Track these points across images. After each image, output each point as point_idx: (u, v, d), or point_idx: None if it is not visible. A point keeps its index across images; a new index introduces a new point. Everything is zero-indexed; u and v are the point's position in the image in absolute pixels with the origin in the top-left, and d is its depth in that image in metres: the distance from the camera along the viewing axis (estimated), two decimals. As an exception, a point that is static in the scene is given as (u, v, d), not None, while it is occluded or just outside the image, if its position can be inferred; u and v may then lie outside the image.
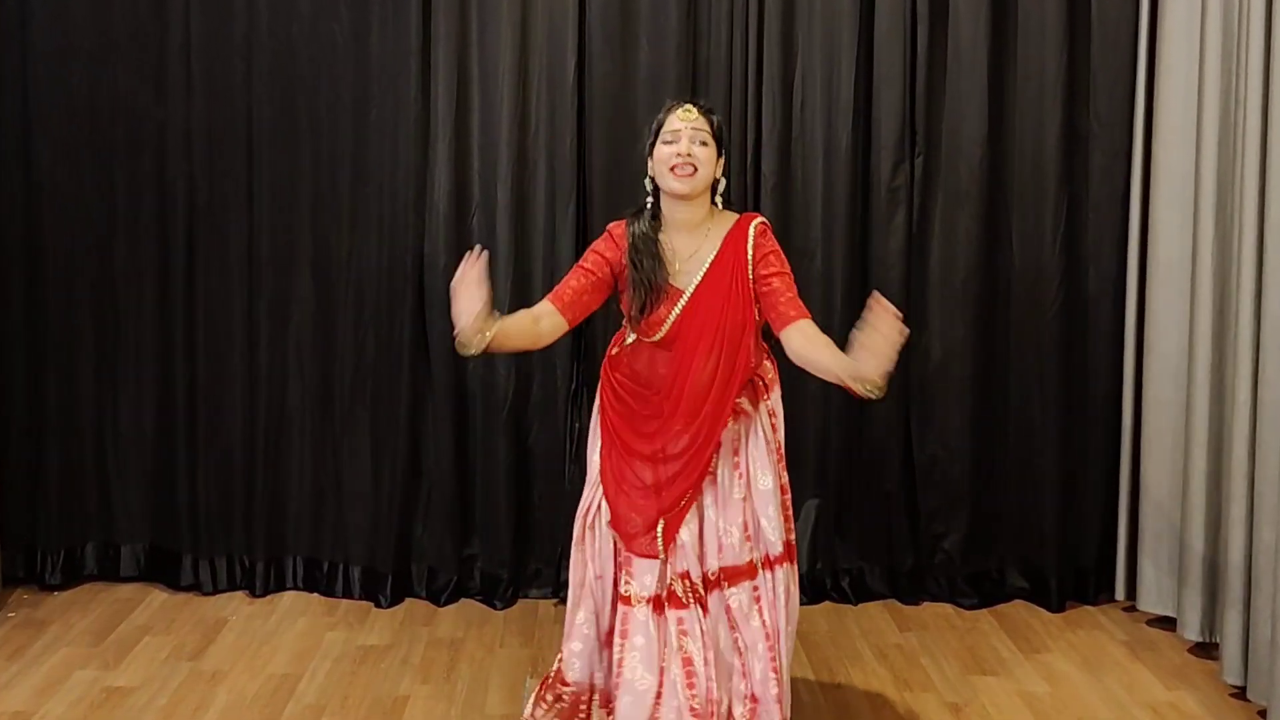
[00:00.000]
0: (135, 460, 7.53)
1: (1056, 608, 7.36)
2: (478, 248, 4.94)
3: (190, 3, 7.21)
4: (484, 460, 7.42)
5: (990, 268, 7.42)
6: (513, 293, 7.17)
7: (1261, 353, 5.98)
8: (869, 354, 4.80)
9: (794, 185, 7.31)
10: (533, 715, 5.69)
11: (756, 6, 7.22)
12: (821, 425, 7.46)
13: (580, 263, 5.40)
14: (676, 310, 5.25)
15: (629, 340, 5.44)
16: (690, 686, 5.20)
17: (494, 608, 7.32)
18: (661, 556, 5.21)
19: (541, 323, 5.23)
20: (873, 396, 4.88)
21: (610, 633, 5.39)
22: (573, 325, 5.36)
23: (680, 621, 5.26)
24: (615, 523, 5.29)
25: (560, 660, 5.50)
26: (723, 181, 5.45)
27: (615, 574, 5.37)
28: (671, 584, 5.27)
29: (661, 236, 5.30)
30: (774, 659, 5.27)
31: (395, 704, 6.08)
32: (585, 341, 7.35)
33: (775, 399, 5.59)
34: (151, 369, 7.47)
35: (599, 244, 5.39)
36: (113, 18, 7.24)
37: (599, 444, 5.53)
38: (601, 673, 5.48)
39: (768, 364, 5.61)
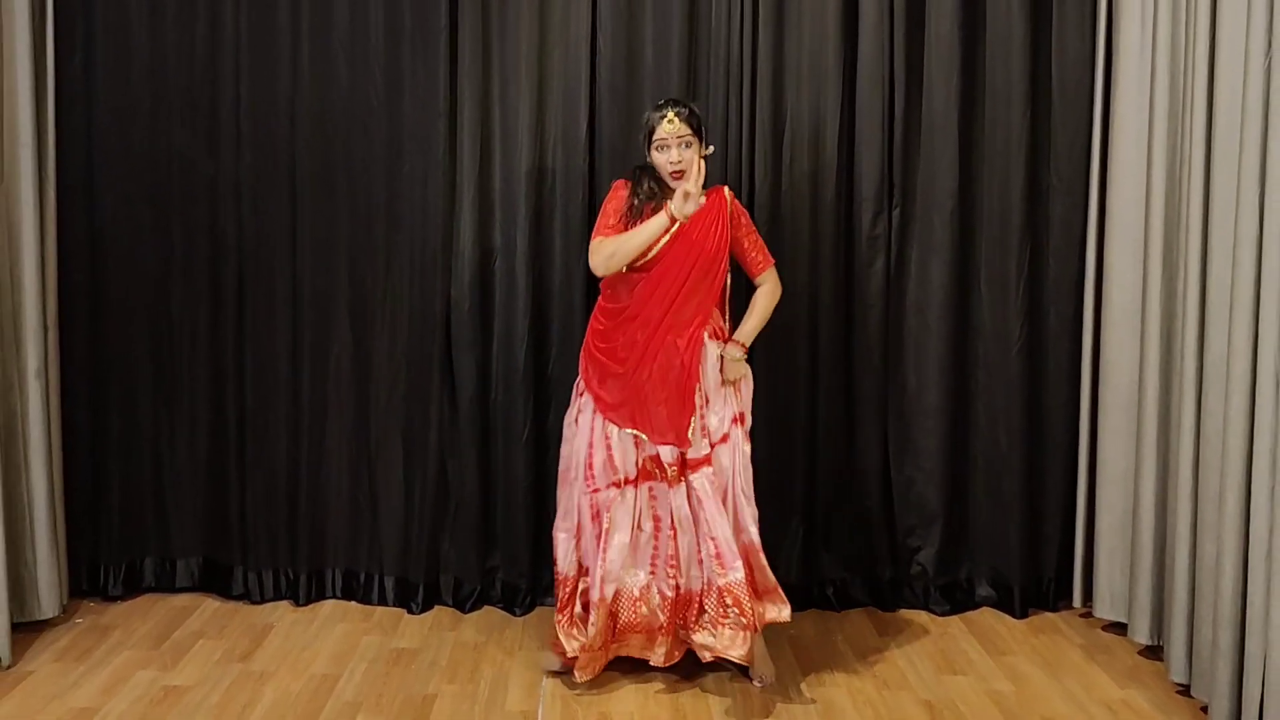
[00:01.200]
0: (189, 481, 7.64)
1: (1020, 615, 7.53)
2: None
3: (240, 66, 7.37)
4: (505, 482, 7.56)
5: (961, 308, 7.58)
6: (530, 330, 7.40)
7: (1204, 386, 6.11)
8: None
9: (785, 233, 7.41)
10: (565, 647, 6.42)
11: (750, 72, 7.36)
12: (808, 450, 7.63)
13: (606, 212, 6.46)
14: (669, 233, 6.21)
15: (618, 281, 6.41)
16: (655, 535, 6.26)
17: (513, 614, 7.47)
18: (689, 443, 6.24)
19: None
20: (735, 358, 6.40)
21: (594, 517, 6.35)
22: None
23: (651, 489, 6.26)
24: (649, 433, 6.29)
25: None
26: (709, 155, 6.40)
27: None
28: (642, 463, 6.21)
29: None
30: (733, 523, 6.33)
31: (424, 701, 6.23)
32: None
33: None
34: (204, 398, 7.60)
35: (613, 195, 6.51)
36: (169, 79, 7.37)
37: (580, 414, 6.57)
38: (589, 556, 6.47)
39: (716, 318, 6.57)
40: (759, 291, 6.62)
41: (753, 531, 6.37)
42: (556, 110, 7.42)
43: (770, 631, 6.91)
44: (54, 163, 7.13)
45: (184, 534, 7.71)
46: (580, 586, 6.54)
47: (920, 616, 7.57)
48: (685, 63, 7.39)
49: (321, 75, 7.42)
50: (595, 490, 6.38)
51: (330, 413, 7.62)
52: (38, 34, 6.87)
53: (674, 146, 6.25)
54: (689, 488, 6.30)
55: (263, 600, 7.60)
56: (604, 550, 6.31)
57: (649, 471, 6.36)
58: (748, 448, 6.48)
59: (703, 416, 6.32)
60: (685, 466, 6.32)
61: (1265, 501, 5.50)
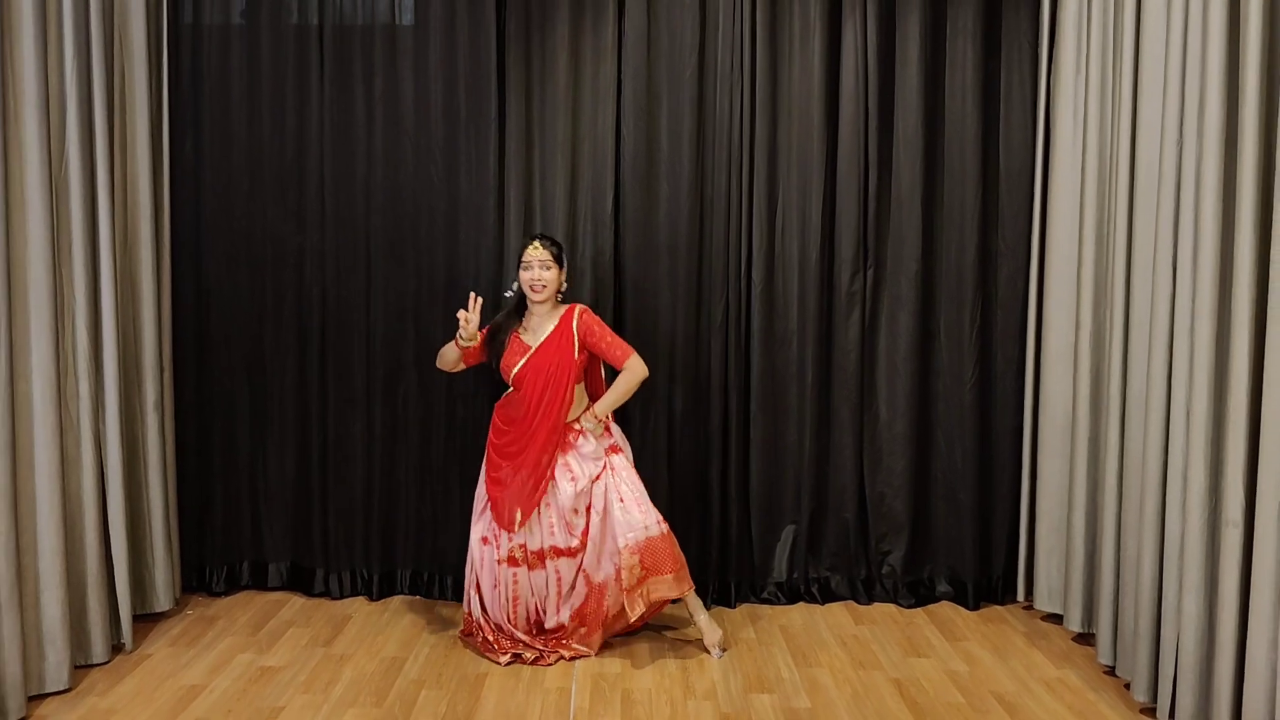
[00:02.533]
0: (279, 497, 7.74)
1: (973, 607, 7.63)
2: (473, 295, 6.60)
3: (323, 151, 7.50)
4: None
5: (924, 352, 7.68)
6: None
7: (1126, 415, 6.27)
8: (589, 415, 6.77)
9: (776, 290, 7.58)
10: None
11: (749, 157, 7.49)
12: (797, 469, 7.72)
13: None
14: (523, 360, 6.75)
15: (506, 395, 6.91)
16: (514, 603, 6.81)
17: None
18: (516, 530, 6.70)
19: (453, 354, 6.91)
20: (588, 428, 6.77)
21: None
22: (466, 365, 6.99)
23: (514, 574, 6.79)
24: (494, 512, 6.79)
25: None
26: (565, 285, 6.93)
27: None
28: (512, 551, 6.77)
29: (523, 323, 6.89)
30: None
31: (477, 679, 6.34)
32: (618, 409, 7.28)
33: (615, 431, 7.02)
34: (292, 429, 7.71)
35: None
36: (263, 162, 7.50)
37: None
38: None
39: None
40: (620, 374, 6.81)
41: (633, 537, 6.68)
42: (587, 190, 7.53)
43: (764, 620, 7.25)
44: (169, 231, 7.23)
45: (275, 541, 7.80)
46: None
47: (890, 608, 7.66)
48: (695, 150, 7.52)
49: (391, 159, 7.54)
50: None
51: (398, 440, 7.70)
52: (155, 124, 6.99)
53: (535, 267, 6.78)
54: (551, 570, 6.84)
55: (341, 596, 7.68)
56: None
57: (514, 559, 6.83)
58: (624, 470, 6.86)
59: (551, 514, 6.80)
60: (549, 554, 6.82)
61: (1178, 511, 5.58)
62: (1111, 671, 6.48)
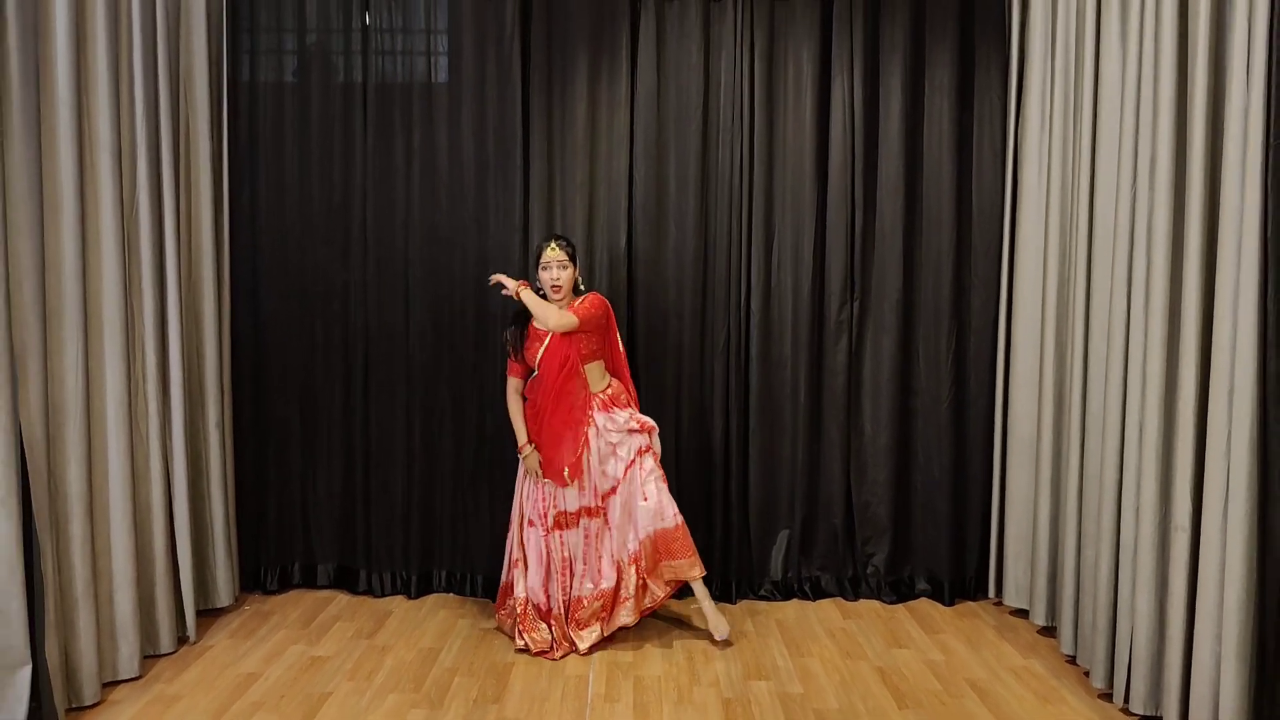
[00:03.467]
0: (327, 506, 7.78)
1: (949, 603, 7.64)
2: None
3: (367, 196, 7.55)
4: None
5: (905, 374, 7.71)
6: None
7: (1086, 433, 6.30)
8: None
9: (772, 318, 7.63)
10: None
11: (747, 200, 7.55)
12: (790, 480, 7.75)
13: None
14: (543, 347, 6.80)
15: (530, 379, 6.93)
16: (564, 571, 6.81)
17: None
18: (568, 484, 6.79)
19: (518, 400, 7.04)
20: None
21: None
22: (522, 377, 7.01)
23: (561, 537, 6.84)
24: (546, 468, 6.83)
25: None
26: (579, 279, 6.92)
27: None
28: (556, 518, 6.85)
29: (533, 321, 6.87)
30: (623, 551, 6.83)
31: (505, 668, 6.38)
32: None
33: (625, 410, 6.94)
34: (339, 445, 7.73)
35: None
36: (313, 207, 7.56)
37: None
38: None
39: (614, 387, 7.00)
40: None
41: (652, 528, 6.81)
42: (603, 228, 7.59)
43: (761, 615, 7.28)
44: (229, 268, 7.30)
45: (323, 545, 7.83)
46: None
47: (874, 604, 7.67)
48: (699, 193, 7.58)
49: (427, 202, 7.59)
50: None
51: (434, 454, 7.71)
52: (216, 173, 7.06)
53: (554, 267, 6.82)
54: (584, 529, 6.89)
55: (382, 595, 7.69)
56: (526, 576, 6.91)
57: (558, 523, 6.87)
58: (653, 471, 6.85)
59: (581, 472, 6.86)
60: (581, 513, 6.87)
61: (1132, 517, 5.65)
62: (1073, 661, 6.53)
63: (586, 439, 6.77)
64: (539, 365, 6.80)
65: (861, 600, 7.77)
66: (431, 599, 7.68)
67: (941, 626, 7.24)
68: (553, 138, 7.58)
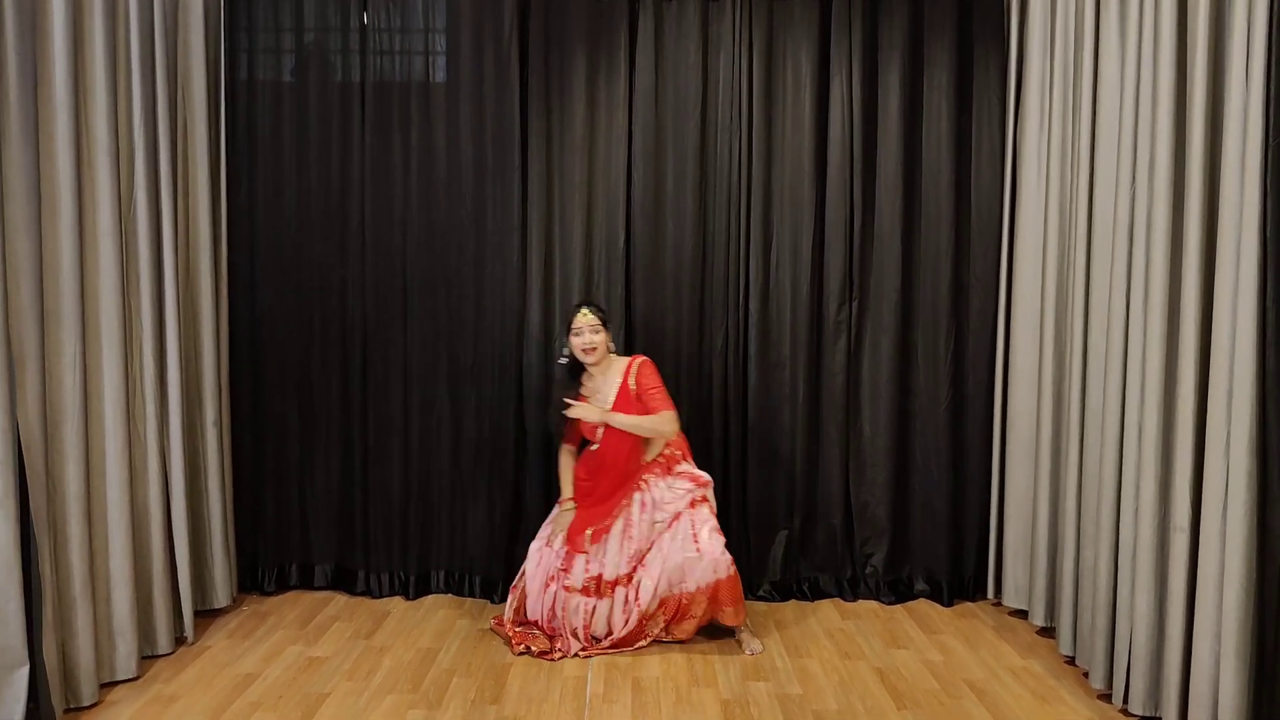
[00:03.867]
0: (325, 506, 7.76)
1: (948, 604, 7.64)
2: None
3: (365, 194, 7.55)
4: None
5: (903, 375, 7.72)
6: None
7: (1085, 432, 6.30)
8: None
9: (771, 319, 7.63)
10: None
11: (745, 199, 7.56)
12: (789, 481, 7.77)
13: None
14: (602, 430, 6.83)
15: (586, 449, 7.00)
16: (587, 628, 6.71)
17: None
18: (586, 552, 6.70)
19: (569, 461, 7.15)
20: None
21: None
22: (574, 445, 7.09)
23: (590, 605, 6.71)
24: (569, 537, 6.78)
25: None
26: (613, 344, 7.00)
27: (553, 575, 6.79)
28: (586, 583, 6.71)
29: (585, 385, 6.98)
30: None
31: (503, 668, 6.36)
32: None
33: (684, 468, 6.91)
34: (336, 444, 7.73)
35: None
36: (311, 203, 7.56)
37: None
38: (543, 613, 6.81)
39: (671, 449, 6.94)
40: (652, 416, 6.80)
41: (705, 580, 6.68)
42: (601, 228, 7.60)
43: (760, 616, 7.27)
44: (226, 266, 7.29)
45: (321, 545, 7.82)
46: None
47: (873, 605, 7.67)
48: (698, 192, 7.59)
49: (425, 201, 7.59)
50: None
51: (432, 454, 7.73)
52: (214, 171, 7.06)
53: (586, 332, 6.84)
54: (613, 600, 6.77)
55: (380, 595, 7.69)
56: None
57: (587, 589, 6.75)
58: (708, 520, 6.76)
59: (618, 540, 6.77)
60: (620, 582, 6.75)
61: (1130, 518, 5.65)
62: (1071, 661, 6.53)
63: (629, 505, 6.79)
64: (600, 442, 6.88)
65: (860, 601, 7.76)
66: (430, 599, 7.67)
67: (940, 627, 7.23)
68: (551, 137, 7.59)
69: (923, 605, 7.70)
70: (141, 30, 6.18)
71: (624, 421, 6.70)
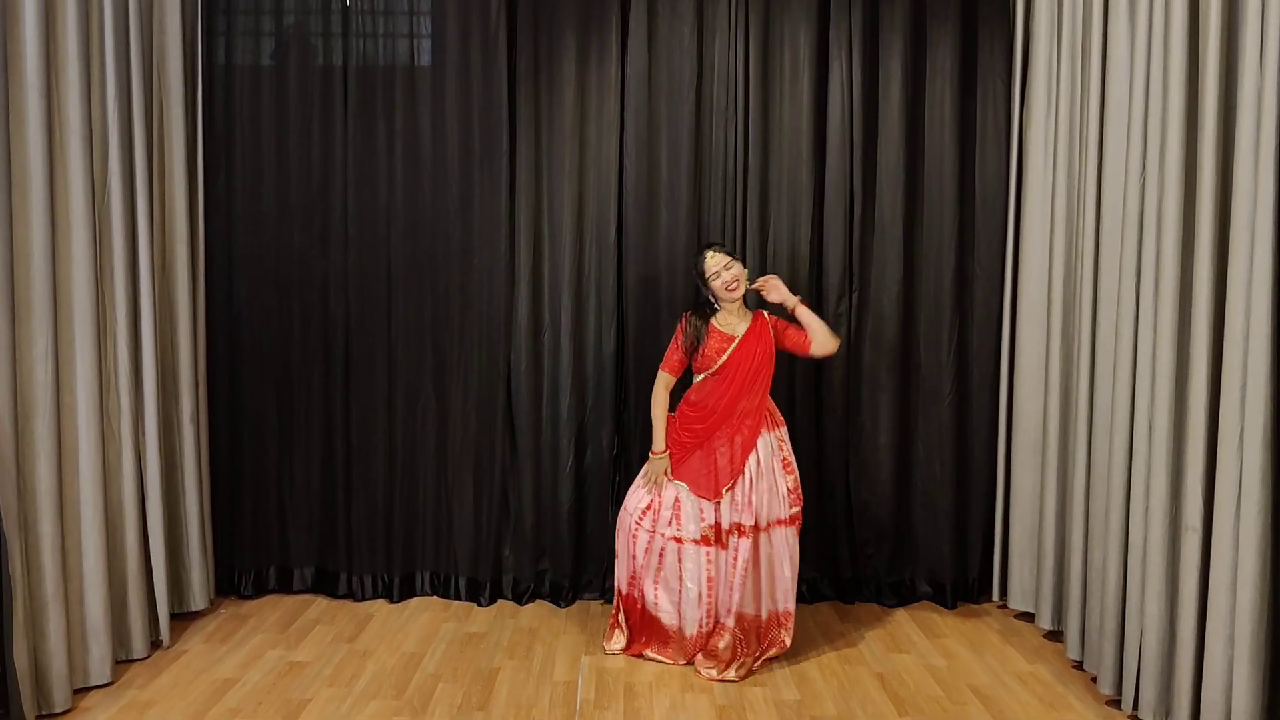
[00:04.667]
0: (305, 505, 7.74)
1: (951, 606, 7.66)
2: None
3: (347, 182, 7.53)
4: (552, 503, 7.66)
5: (905, 368, 7.70)
6: (572, 385, 7.60)
7: (1093, 429, 6.35)
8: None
9: (768, 311, 7.16)
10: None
11: (742, 187, 7.56)
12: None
13: (673, 343, 6.72)
14: (730, 348, 6.56)
15: (697, 380, 6.69)
16: (710, 589, 6.50)
17: (559, 606, 7.58)
18: (718, 500, 6.48)
19: (664, 397, 6.78)
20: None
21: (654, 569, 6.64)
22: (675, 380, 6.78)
23: (707, 554, 6.49)
24: (697, 488, 6.54)
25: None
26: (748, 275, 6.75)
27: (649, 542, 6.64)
28: (704, 531, 6.49)
29: (715, 320, 6.66)
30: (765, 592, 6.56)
31: (490, 673, 6.37)
32: (623, 420, 7.66)
33: (784, 432, 6.72)
34: (317, 440, 7.70)
35: (677, 338, 6.70)
36: (291, 193, 7.54)
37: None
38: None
39: (776, 410, 6.75)
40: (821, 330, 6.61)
41: (786, 606, 6.60)
42: (592, 216, 7.61)
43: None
44: (204, 256, 7.31)
45: (300, 547, 7.80)
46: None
47: (873, 607, 7.68)
48: (692, 179, 7.58)
49: (410, 189, 7.58)
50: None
51: (417, 450, 7.72)
52: (191, 157, 7.07)
53: (727, 271, 6.59)
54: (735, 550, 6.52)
55: (363, 598, 7.69)
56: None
57: (705, 538, 6.54)
58: (794, 540, 6.60)
59: (743, 489, 6.51)
60: (734, 531, 6.51)
61: (1141, 517, 5.66)
62: (1079, 666, 6.55)
63: (757, 454, 6.57)
64: (721, 369, 6.63)
65: (860, 603, 7.77)
66: (415, 602, 7.69)
67: (943, 630, 7.25)
68: (540, 122, 7.58)
69: (925, 608, 7.72)
70: (115, 10, 6.16)
71: (812, 317, 6.61)
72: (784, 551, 6.52)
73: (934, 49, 7.61)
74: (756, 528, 6.46)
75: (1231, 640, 5.01)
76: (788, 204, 7.64)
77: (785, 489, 6.54)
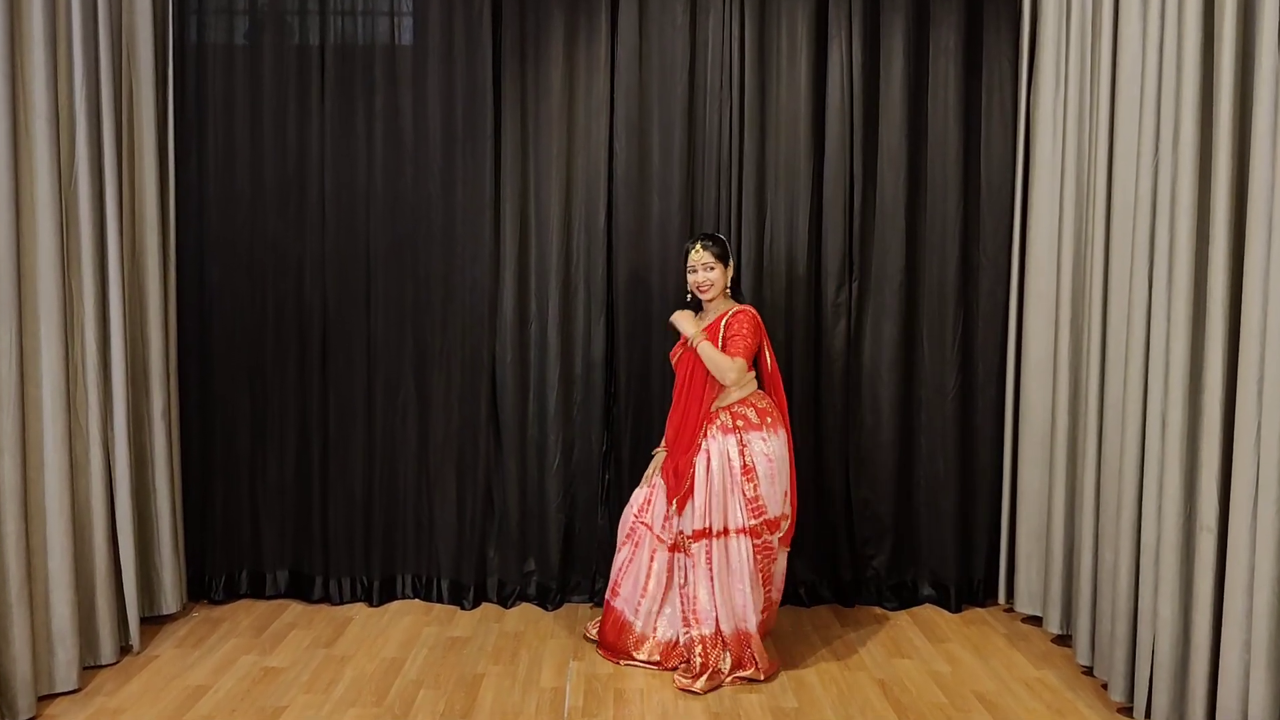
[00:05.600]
0: (280, 504, 7.72)
1: (955, 609, 7.68)
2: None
3: (324, 165, 7.51)
4: (539, 502, 7.66)
5: (907, 362, 7.70)
6: (560, 379, 7.59)
7: (1104, 423, 6.30)
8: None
9: (765, 301, 7.55)
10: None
11: (737, 172, 7.55)
12: None
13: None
14: (682, 350, 6.68)
15: None
16: (665, 591, 6.65)
17: (546, 609, 7.58)
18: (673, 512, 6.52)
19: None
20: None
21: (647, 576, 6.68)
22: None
23: (672, 557, 6.63)
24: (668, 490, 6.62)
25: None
26: (729, 275, 6.69)
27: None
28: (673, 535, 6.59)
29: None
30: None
31: (475, 680, 6.36)
32: (613, 416, 7.67)
33: (755, 437, 6.45)
34: (292, 435, 7.67)
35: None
36: (265, 175, 7.51)
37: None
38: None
39: (751, 413, 6.45)
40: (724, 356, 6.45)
41: (738, 627, 6.47)
42: (581, 202, 7.59)
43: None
44: (175, 241, 7.29)
45: (274, 549, 7.78)
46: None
47: (874, 611, 7.69)
48: (685, 164, 7.55)
49: (390, 172, 7.56)
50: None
51: (397, 446, 7.70)
52: (161, 139, 7.06)
53: (700, 270, 6.62)
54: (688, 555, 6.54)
55: (341, 602, 7.69)
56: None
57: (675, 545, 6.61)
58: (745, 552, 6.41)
59: (703, 494, 6.45)
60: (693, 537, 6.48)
61: (1153, 517, 5.64)
62: (1089, 672, 6.53)
63: (706, 463, 6.47)
64: (676, 364, 6.83)
65: (860, 606, 7.79)
66: (395, 605, 7.69)
67: (947, 635, 7.26)
68: (526, 104, 7.58)
69: (928, 611, 7.73)
70: (83, -14, 6.15)
71: (703, 348, 6.49)
72: (739, 565, 6.42)
73: (937, 27, 7.60)
74: (709, 533, 6.44)
75: (1248, 645, 4.98)
76: (785, 190, 7.63)
77: (745, 496, 6.42)
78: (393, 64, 7.56)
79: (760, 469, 6.43)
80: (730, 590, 6.43)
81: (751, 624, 6.44)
